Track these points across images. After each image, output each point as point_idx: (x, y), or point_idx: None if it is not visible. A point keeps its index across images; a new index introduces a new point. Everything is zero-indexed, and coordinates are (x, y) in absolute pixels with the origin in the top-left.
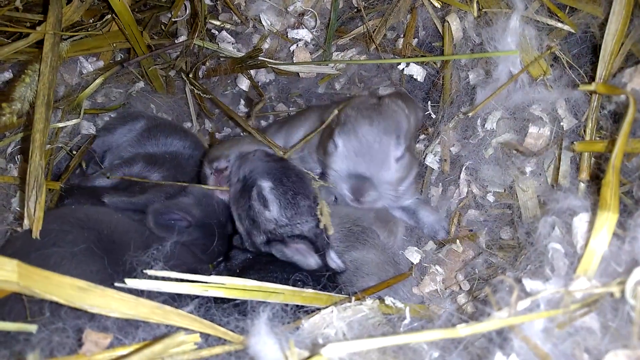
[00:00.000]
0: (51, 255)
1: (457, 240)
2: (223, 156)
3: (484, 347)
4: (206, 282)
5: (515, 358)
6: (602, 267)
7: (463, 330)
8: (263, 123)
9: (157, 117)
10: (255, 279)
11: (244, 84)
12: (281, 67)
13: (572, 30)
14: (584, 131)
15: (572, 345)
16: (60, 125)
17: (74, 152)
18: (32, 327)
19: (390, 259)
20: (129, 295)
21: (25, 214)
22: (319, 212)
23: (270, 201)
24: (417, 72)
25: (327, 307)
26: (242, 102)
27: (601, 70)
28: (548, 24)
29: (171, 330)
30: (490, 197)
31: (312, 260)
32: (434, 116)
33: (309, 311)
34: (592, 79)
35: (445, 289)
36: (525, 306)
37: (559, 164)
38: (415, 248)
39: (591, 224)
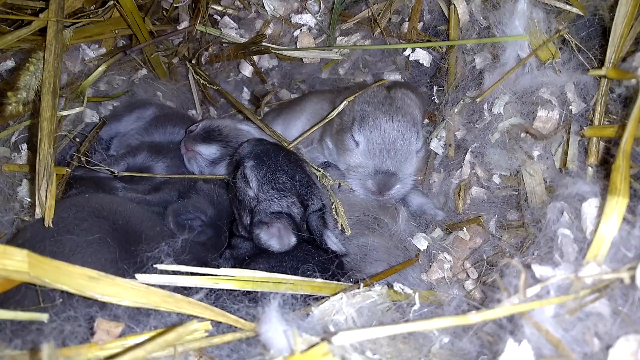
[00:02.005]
0: (65, 242)
1: (464, 228)
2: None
3: (495, 333)
4: (216, 275)
5: (527, 344)
6: (612, 252)
7: (473, 317)
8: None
9: (165, 106)
10: (264, 268)
11: (247, 70)
12: (285, 52)
13: (581, 13)
14: (593, 115)
15: (583, 331)
16: (64, 113)
17: (77, 140)
18: (44, 316)
19: (399, 244)
20: (139, 284)
21: (37, 203)
22: (334, 211)
23: (251, 178)
24: (423, 57)
25: (336, 293)
26: (245, 89)
27: (610, 54)
28: (556, 7)
29: (182, 318)
30: (496, 179)
31: (287, 240)
32: (437, 101)
33: (319, 298)
34: (602, 62)
35: (453, 276)
36: (535, 292)
37: (567, 148)
38: (423, 235)
39: (600, 209)
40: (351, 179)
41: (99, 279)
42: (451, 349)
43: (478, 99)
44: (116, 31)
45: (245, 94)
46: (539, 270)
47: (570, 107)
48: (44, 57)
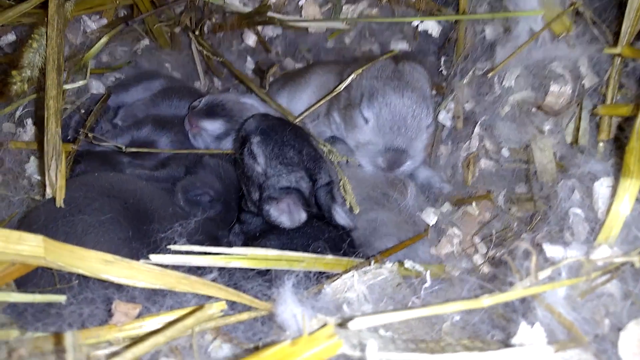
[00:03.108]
0: (78, 222)
1: (473, 203)
2: (202, 99)
3: (507, 313)
4: (228, 254)
5: (539, 327)
6: (624, 233)
7: (486, 301)
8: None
9: (173, 78)
10: (275, 245)
11: (250, 39)
12: (290, 23)
13: None
14: (606, 91)
15: (594, 311)
16: (68, 87)
17: (82, 112)
18: (62, 298)
19: (408, 219)
20: (154, 266)
21: (47, 183)
22: (342, 189)
23: (258, 154)
24: (432, 27)
25: (348, 270)
26: (249, 58)
27: (626, 29)
28: None
29: (198, 297)
30: (505, 152)
31: (296, 218)
32: (445, 72)
33: (331, 275)
34: (617, 35)
35: (462, 251)
36: (546, 275)
37: (579, 123)
38: (433, 209)
39: (612, 188)
40: (360, 155)
41: (114, 263)
42: (463, 326)
43: (490, 74)
44: (117, 1)
45: (249, 64)
46: (550, 250)
47: (583, 82)
48: (46, 32)
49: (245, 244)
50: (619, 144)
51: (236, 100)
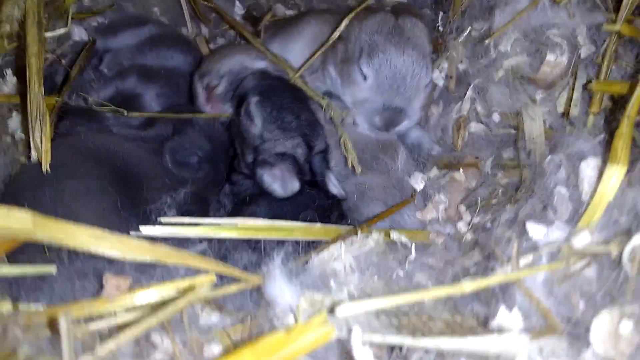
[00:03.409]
0: (65, 189)
1: (461, 169)
2: (214, 71)
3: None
4: (218, 224)
5: (517, 312)
6: (606, 218)
7: (468, 286)
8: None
9: (163, 25)
10: (265, 212)
11: None
12: None
13: None
14: (602, 63)
15: (570, 296)
16: (49, 35)
17: (63, 61)
18: (52, 269)
19: (397, 183)
20: (144, 241)
21: (32, 146)
22: (343, 146)
23: (256, 115)
24: None
25: (335, 241)
26: (237, 2)
27: (626, 2)
28: None
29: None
30: (496, 117)
31: (289, 187)
32: (441, 29)
33: (318, 245)
34: (618, 3)
35: (447, 217)
36: (527, 262)
37: (572, 94)
38: (421, 174)
39: (599, 170)
40: (356, 113)
41: (104, 237)
42: (444, 301)
43: (487, 41)
44: None
45: (238, 9)
46: (532, 229)
47: (579, 52)
48: None
49: (235, 205)
50: (612, 117)
51: (251, 67)
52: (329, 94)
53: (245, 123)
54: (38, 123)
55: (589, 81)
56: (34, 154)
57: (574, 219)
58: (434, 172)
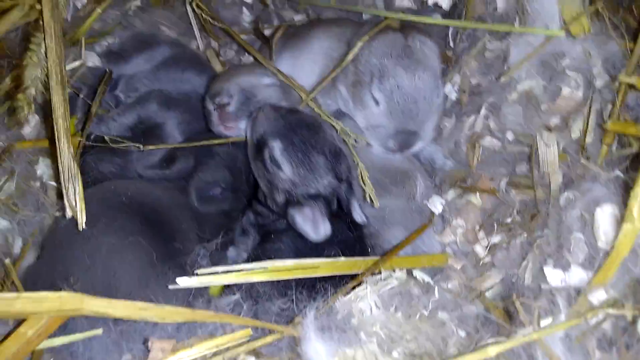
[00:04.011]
0: (102, 245)
1: (477, 193)
2: (225, 90)
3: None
4: (249, 269)
5: None
6: (621, 270)
7: (492, 350)
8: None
9: (177, 44)
10: (291, 250)
11: None
12: None
13: None
14: (615, 101)
15: (587, 350)
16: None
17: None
18: (98, 331)
19: (416, 207)
20: (184, 309)
21: (67, 205)
22: (361, 179)
23: (283, 163)
24: None
25: (359, 280)
26: (245, 10)
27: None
28: None
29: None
30: (510, 135)
31: (322, 230)
32: (452, 44)
33: (342, 282)
34: (635, 36)
35: (465, 241)
36: (547, 323)
37: (587, 127)
38: (439, 198)
39: (614, 218)
40: (370, 136)
41: (147, 308)
42: (468, 344)
43: (503, 78)
44: None
45: (246, 16)
46: (550, 274)
47: (595, 82)
48: (44, 38)
49: (260, 243)
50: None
51: (259, 84)
52: (340, 113)
53: (271, 170)
54: (71, 184)
55: (604, 121)
56: (68, 213)
57: (591, 264)
58: (451, 194)
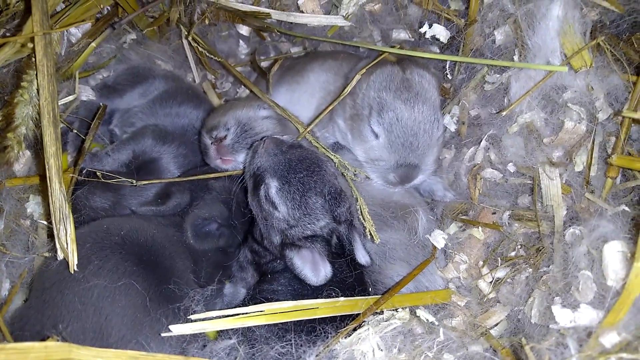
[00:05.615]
0: (94, 288)
1: (479, 227)
2: (221, 123)
3: None
4: (245, 313)
5: None
6: (633, 309)
7: None
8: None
9: (171, 77)
10: (287, 291)
11: (243, 29)
12: (290, 20)
13: (617, 11)
14: (618, 136)
15: None
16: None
17: (74, 129)
18: None
19: (418, 240)
20: (177, 357)
21: (58, 247)
22: (361, 216)
23: (278, 203)
24: (440, 32)
25: (360, 320)
26: (242, 43)
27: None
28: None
29: None
30: (511, 167)
31: (322, 273)
32: (450, 76)
33: (343, 323)
34: (637, 69)
35: (468, 276)
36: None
37: (590, 160)
38: (441, 232)
39: (622, 255)
40: (370, 170)
41: (139, 358)
42: None
43: (504, 113)
44: (101, 5)
45: (242, 48)
46: (559, 313)
47: (597, 115)
48: (35, 75)
49: (258, 283)
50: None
51: (256, 117)
52: (338, 146)
53: (267, 209)
54: (62, 225)
55: (607, 148)
56: (60, 255)
57: (601, 303)
58: (453, 228)
